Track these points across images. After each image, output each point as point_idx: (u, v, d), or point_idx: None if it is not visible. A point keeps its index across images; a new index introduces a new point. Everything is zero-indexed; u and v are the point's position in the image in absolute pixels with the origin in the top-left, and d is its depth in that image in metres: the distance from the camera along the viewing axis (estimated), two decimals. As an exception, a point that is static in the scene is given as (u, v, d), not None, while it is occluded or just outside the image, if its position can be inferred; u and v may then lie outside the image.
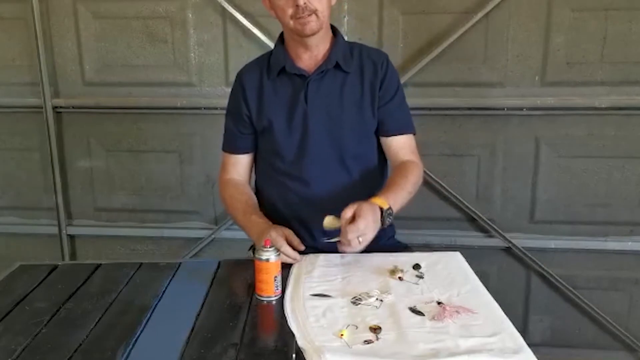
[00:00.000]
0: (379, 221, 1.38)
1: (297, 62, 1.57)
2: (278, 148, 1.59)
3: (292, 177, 1.60)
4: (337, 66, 1.56)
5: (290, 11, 1.46)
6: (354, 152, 1.59)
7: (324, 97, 1.56)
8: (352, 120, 1.57)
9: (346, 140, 1.57)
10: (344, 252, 1.39)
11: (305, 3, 1.43)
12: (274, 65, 1.58)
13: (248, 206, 1.61)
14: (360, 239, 1.33)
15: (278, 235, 1.45)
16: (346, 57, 1.57)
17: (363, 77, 1.57)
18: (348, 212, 1.34)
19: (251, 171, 1.72)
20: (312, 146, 1.57)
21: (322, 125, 1.56)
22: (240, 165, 1.69)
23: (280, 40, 1.61)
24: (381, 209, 1.39)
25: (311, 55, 1.57)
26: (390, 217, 1.42)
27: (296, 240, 1.48)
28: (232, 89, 1.67)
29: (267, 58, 1.63)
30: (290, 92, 1.58)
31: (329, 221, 1.40)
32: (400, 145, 1.62)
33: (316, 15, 1.46)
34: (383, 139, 1.62)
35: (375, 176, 1.65)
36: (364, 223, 1.32)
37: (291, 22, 1.47)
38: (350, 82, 1.57)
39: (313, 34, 1.50)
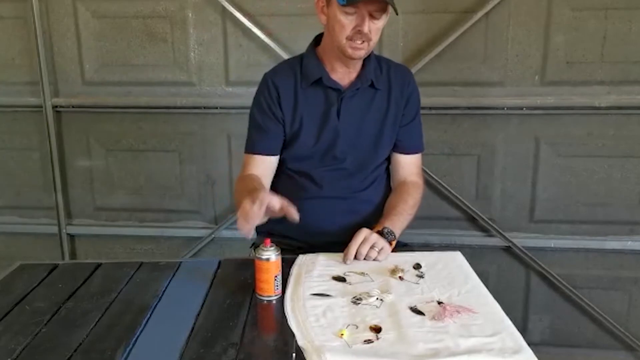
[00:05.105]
0: (378, 235, 1.46)
1: (332, 74, 1.57)
2: (299, 155, 1.60)
3: (307, 176, 1.61)
4: (370, 84, 1.57)
5: (349, 33, 1.43)
6: (372, 164, 1.63)
7: (355, 113, 1.58)
8: (376, 136, 1.60)
9: (367, 154, 1.61)
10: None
11: (368, 32, 1.43)
12: (309, 75, 1.56)
13: (255, 188, 1.43)
14: (376, 248, 1.44)
15: (265, 194, 1.29)
16: (377, 73, 1.59)
17: (390, 94, 1.59)
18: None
19: (272, 177, 1.64)
20: (335, 159, 1.59)
21: (349, 141, 1.58)
22: (264, 166, 1.61)
23: (313, 46, 1.60)
24: (379, 232, 1.48)
25: (346, 70, 1.56)
26: (392, 235, 1.50)
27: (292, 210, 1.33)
28: (263, 91, 1.59)
29: (298, 64, 1.60)
30: (323, 104, 1.57)
31: None
32: (409, 164, 1.68)
33: (368, 44, 1.46)
34: (394, 154, 1.67)
35: (383, 180, 1.70)
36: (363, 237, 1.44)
37: (343, 42, 1.45)
38: (378, 98, 1.59)
39: (359, 59, 1.51)
